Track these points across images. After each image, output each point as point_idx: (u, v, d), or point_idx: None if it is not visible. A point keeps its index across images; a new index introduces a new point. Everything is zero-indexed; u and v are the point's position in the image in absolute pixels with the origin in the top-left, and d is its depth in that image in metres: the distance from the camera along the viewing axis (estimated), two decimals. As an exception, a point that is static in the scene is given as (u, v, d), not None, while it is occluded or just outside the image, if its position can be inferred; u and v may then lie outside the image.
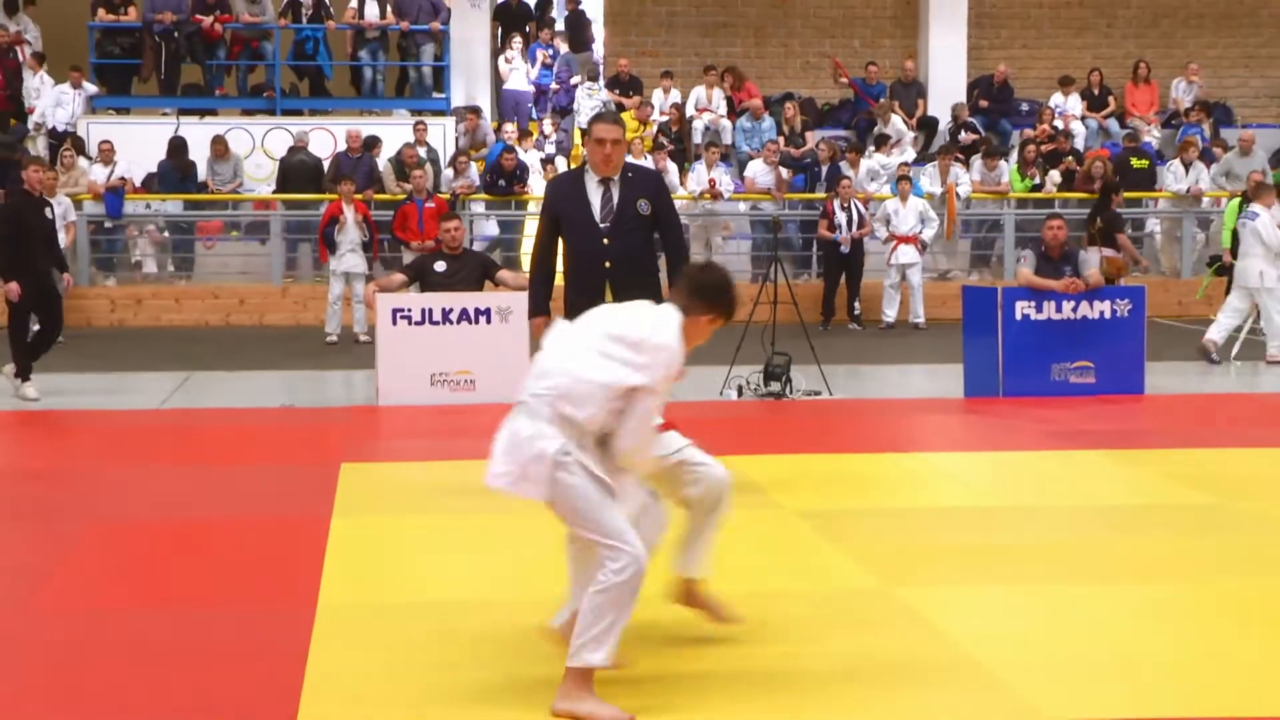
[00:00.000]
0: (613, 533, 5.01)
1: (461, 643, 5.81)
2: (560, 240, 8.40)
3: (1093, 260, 13.48)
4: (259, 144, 22.69)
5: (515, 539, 7.76)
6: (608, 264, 8.25)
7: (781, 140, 23.17)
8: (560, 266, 8.47)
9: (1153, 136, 24.81)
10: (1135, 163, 22.95)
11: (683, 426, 8.93)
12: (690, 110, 24.00)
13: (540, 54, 24.65)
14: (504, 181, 21.94)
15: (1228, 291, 17.59)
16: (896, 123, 23.67)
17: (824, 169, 22.21)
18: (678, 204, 21.94)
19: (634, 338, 5.20)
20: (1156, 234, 23.77)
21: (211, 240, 21.98)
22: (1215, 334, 16.05)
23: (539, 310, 8.51)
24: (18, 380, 13.30)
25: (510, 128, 23.16)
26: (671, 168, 21.86)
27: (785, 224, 21.43)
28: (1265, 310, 16.07)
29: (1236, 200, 19.01)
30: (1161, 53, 26.16)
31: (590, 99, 23.94)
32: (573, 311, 8.25)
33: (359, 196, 19.22)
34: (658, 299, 7.92)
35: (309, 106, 23.93)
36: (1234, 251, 18.31)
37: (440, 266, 13.46)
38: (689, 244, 8.71)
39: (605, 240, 8.27)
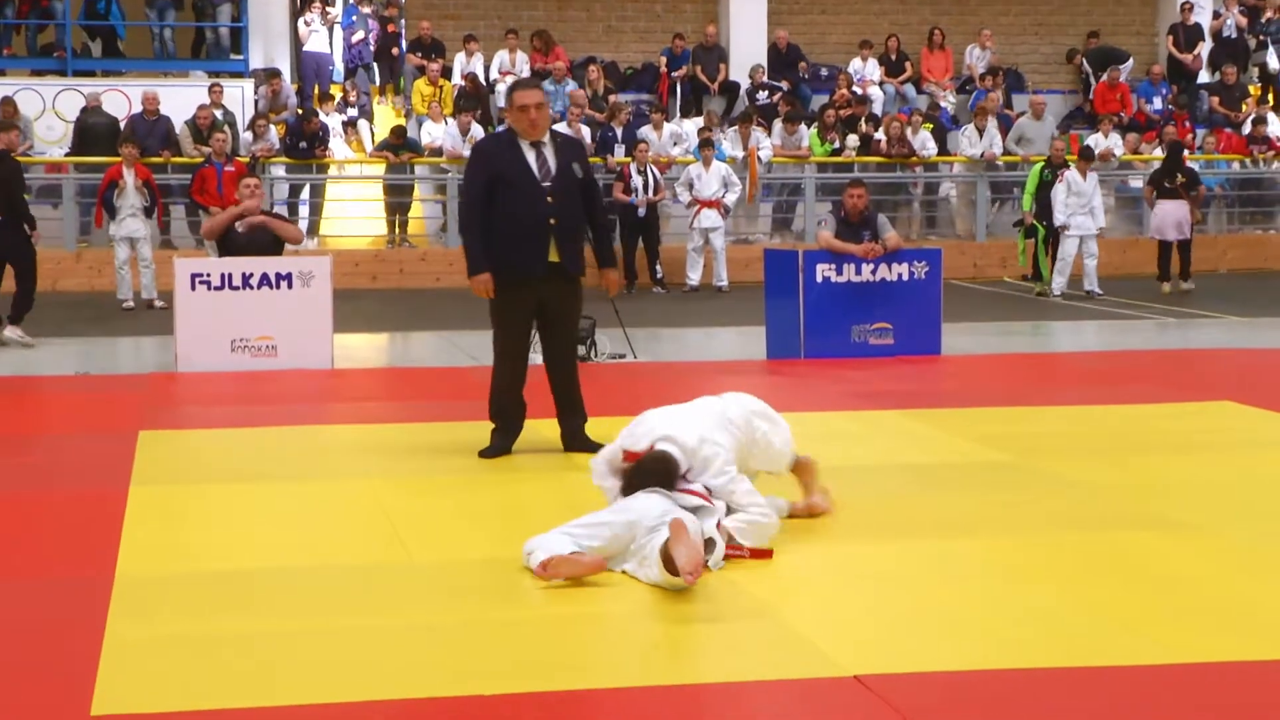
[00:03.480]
0: None
1: (264, 612, 5.70)
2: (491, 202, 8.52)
3: (889, 225, 13.66)
4: (49, 105, 22.05)
5: (315, 506, 7.66)
6: (553, 221, 8.48)
7: (584, 104, 23.11)
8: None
9: (948, 102, 25.25)
10: (926, 126, 23.38)
11: (487, 389, 8.86)
12: (494, 74, 23.84)
13: (357, 16, 24.22)
14: (305, 144, 21.61)
15: (1039, 252, 18.69)
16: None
17: (619, 131, 22.19)
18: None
19: None
20: (951, 197, 24.22)
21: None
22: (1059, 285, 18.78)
23: (482, 266, 8.58)
24: None
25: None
26: (478, 131, 21.71)
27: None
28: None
29: (1039, 165, 19.53)
30: (956, 20, 26.64)
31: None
32: (509, 272, 8.37)
33: (155, 159, 18.77)
34: (583, 262, 8.24)
35: (102, 68, 23.32)
36: (1039, 214, 19.00)
37: (240, 229, 13.22)
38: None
39: (549, 199, 8.49)
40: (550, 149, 8.61)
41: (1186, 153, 23.60)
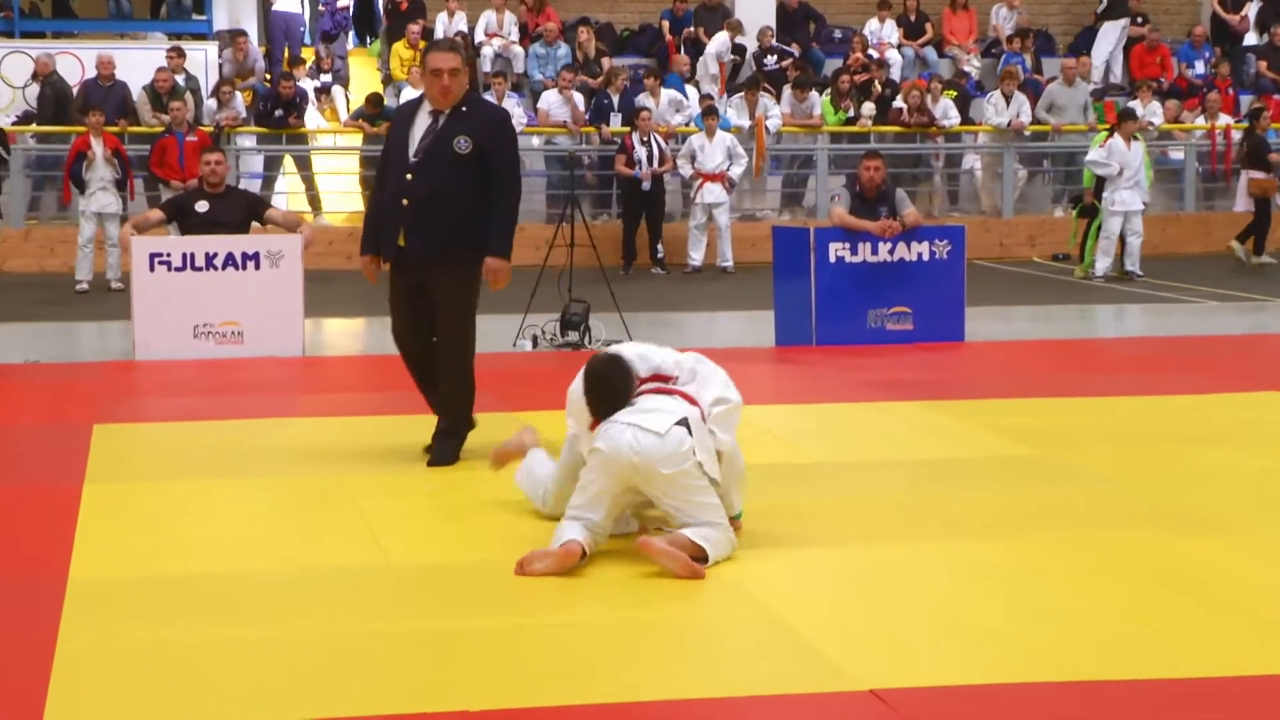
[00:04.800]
0: None
1: (229, 619, 5.74)
2: None
3: (909, 200, 13.67)
4: (-5, 69, 22.08)
5: (284, 505, 7.70)
6: (405, 202, 8.22)
7: (578, 68, 23.12)
8: None
9: (972, 66, 25.24)
10: (947, 94, 23.38)
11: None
12: (480, 36, 23.85)
13: None
14: (281, 111, 21.59)
15: (1086, 233, 18.73)
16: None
17: (616, 99, 22.19)
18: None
19: None
20: (976, 170, 24.23)
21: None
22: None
23: (364, 248, 8.53)
24: None
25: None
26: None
27: (582, 159, 21.45)
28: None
29: (1103, 135, 19.47)
30: (981, -23, 26.63)
31: None
32: (382, 251, 8.27)
33: (111, 128, 18.77)
34: (466, 249, 8.03)
35: (53, 29, 23.31)
36: (1096, 189, 19.01)
37: (202, 206, 13.21)
38: (518, 194, 8.58)
39: (409, 176, 8.23)
40: (448, 120, 8.28)
41: (1232, 121, 23.69)
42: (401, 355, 8.68)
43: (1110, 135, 19.13)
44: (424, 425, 8.72)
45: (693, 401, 6.61)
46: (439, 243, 8.30)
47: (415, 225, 8.26)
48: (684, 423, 6.45)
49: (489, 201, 8.37)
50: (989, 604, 5.93)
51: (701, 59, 23.85)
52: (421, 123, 8.33)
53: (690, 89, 23.07)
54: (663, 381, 6.70)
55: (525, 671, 5.19)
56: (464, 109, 8.34)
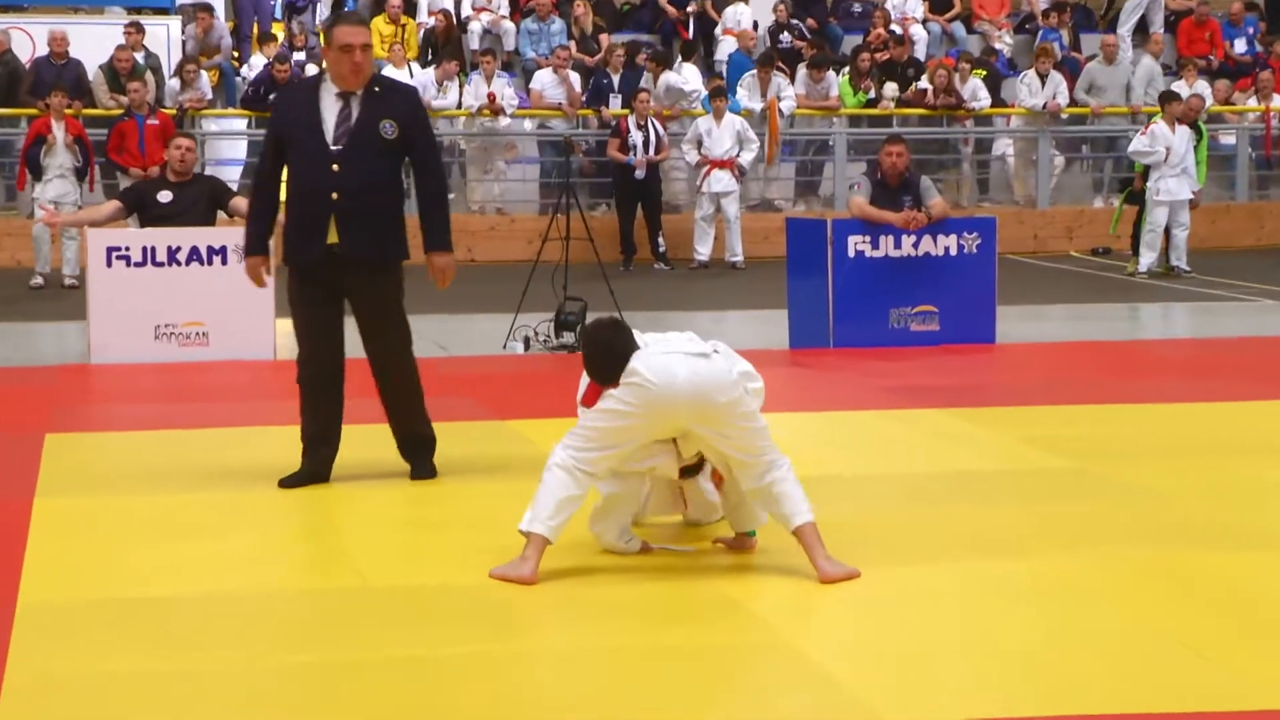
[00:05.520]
0: None
1: (191, 647, 5.72)
2: (285, 166, 8.22)
3: (934, 189, 13.66)
4: (-62, 47, 22.06)
5: (252, 522, 7.68)
6: (335, 195, 8.07)
7: (573, 45, 23.12)
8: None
9: (1004, 43, 25.24)
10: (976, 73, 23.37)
11: (460, 384, 8.91)
12: (467, 10, 23.86)
13: None
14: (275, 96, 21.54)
15: (1137, 223, 18.69)
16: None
17: (616, 79, 22.16)
18: (457, 121, 22.12)
19: None
20: (1008, 157, 24.23)
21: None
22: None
23: (255, 249, 8.33)
24: None
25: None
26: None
27: (579, 144, 21.44)
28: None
29: (1156, 115, 19.45)
30: (1014, -54, 26.64)
31: None
32: (295, 253, 8.14)
33: (65, 111, 18.76)
34: (398, 244, 7.98)
35: (1, 2, 23.30)
36: (1145, 175, 18.97)
37: (165, 196, 13.20)
38: (446, 180, 8.49)
39: (335, 166, 8.08)
40: (361, 101, 8.15)
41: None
42: (308, 376, 8.40)
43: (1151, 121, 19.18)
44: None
45: None
46: (375, 238, 8.21)
47: (348, 220, 8.11)
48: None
49: (422, 191, 8.35)
50: (1025, 630, 5.91)
51: (719, 43, 23.84)
52: (330, 106, 8.12)
53: (690, 67, 23.02)
54: None
55: (514, 705, 5.17)
56: (376, 89, 8.23)
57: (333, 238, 8.10)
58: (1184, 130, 19.13)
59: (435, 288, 8.42)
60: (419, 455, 8.47)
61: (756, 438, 6.49)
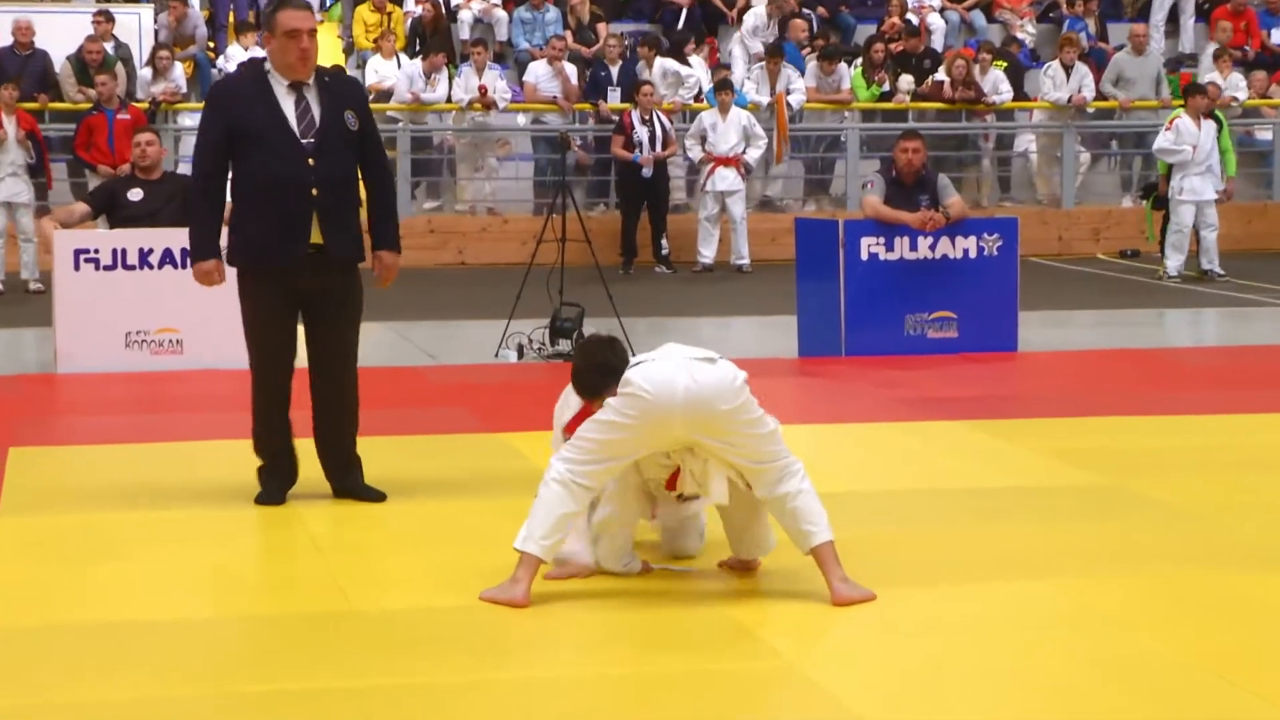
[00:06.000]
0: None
1: (164, 675, 5.72)
2: (233, 161, 8.14)
3: (953, 188, 13.64)
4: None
5: (228, 540, 7.68)
6: (315, 191, 8.03)
7: (569, 35, 23.13)
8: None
9: (1026, 33, 25.26)
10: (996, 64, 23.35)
11: (450, 394, 8.89)
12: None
13: None
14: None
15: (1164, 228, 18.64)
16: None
17: (615, 71, 22.15)
18: (446, 116, 22.10)
19: None
20: (1031, 154, 24.23)
21: None
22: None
23: (209, 251, 8.26)
24: None
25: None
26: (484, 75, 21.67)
27: (576, 141, 21.43)
28: None
29: (1179, 111, 19.42)
30: (1037, -70, 26.66)
31: None
32: (269, 257, 8.09)
33: (30, 104, 18.75)
34: (359, 238, 7.95)
35: (-38, -10, 23.31)
36: (1169, 176, 18.93)
37: (135, 194, 13.20)
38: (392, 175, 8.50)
39: (310, 160, 8.03)
40: (314, 93, 8.11)
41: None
42: (267, 391, 8.35)
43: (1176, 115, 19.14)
44: (387, 447, 8.71)
45: None
46: (353, 237, 8.25)
47: (330, 218, 8.09)
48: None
49: (375, 187, 8.37)
50: (1049, 657, 5.90)
51: (737, 34, 23.83)
52: (283, 96, 8.06)
53: (697, 59, 23.02)
54: None
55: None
56: (325, 79, 8.22)
57: (317, 238, 8.08)
58: (1209, 125, 19.08)
59: (377, 286, 8.37)
60: (355, 473, 8.42)
61: (766, 443, 6.51)
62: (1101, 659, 5.85)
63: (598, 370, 6.67)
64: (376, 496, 8.31)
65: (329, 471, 8.40)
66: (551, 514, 6.42)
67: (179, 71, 21.67)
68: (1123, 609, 6.48)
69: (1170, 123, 19.06)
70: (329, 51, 23.97)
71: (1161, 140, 19.07)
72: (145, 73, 21.55)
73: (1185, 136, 18.84)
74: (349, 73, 22.44)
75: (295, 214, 8.03)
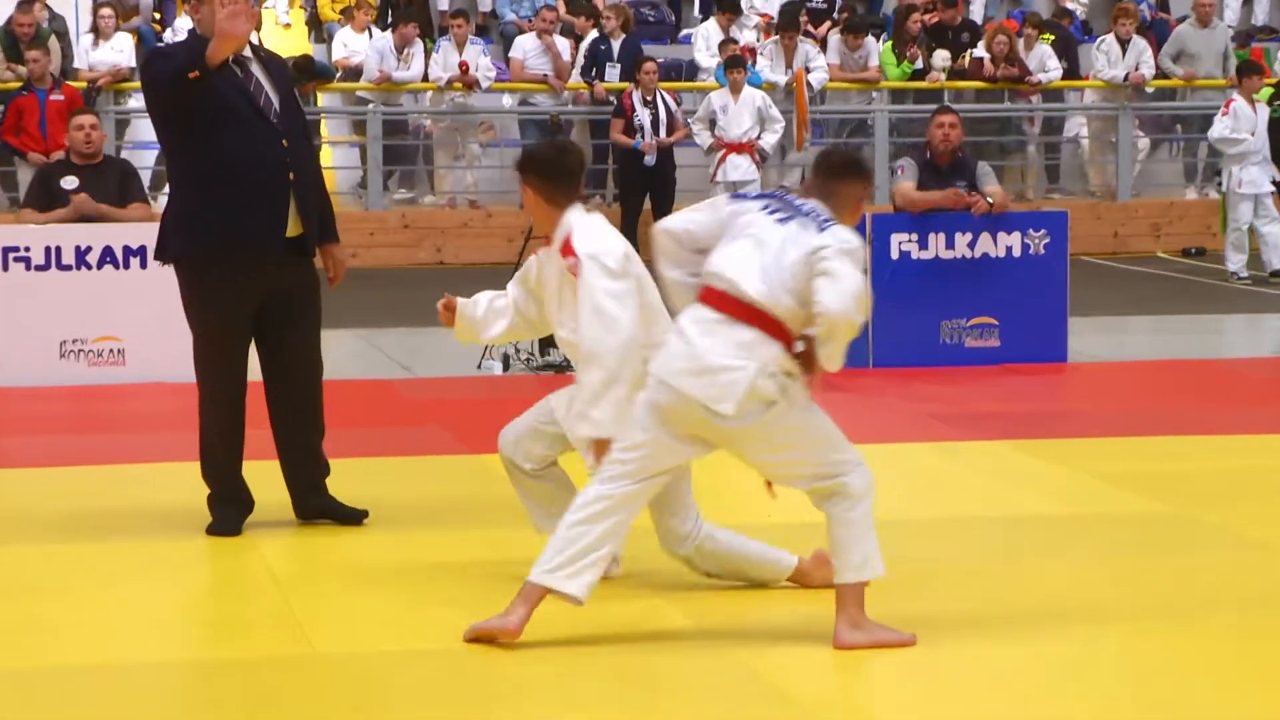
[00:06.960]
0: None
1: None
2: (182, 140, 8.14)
3: (994, 176, 13.60)
4: None
5: (178, 574, 7.70)
6: (291, 175, 8.09)
7: (561, 6, 23.13)
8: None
9: (1078, 3, 25.27)
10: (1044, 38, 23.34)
11: (427, 411, 8.91)
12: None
13: None
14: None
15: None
16: None
17: (616, 46, 22.14)
18: (422, 97, 22.11)
19: None
20: (1082, 139, 24.23)
21: None
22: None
23: (195, 245, 8.22)
24: None
25: None
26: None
27: (569, 124, 21.45)
28: None
29: (1267, 93, 19.38)
30: (1089, -113, 26.69)
31: None
32: (240, 246, 8.09)
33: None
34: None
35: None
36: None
37: (70, 181, 13.16)
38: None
39: (285, 142, 8.08)
40: (262, 69, 8.14)
41: None
42: (224, 404, 8.36)
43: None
44: (354, 470, 8.73)
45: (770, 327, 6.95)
46: (321, 226, 8.34)
47: (304, 205, 8.17)
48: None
49: (314, 174, 8.46)
50: (1111, 711, 5.89)
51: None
52: (231, 70, 7.98)
53: (699, 32, 23.01)
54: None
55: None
56: (261, 54, 8.29)
57: (295, 228, 8.13)
58: (1263, 109, 19.02)
59: (329, 286, 8.45)
60: (327, 495, 8.46)
61: (800, 466, 6.80)
62: (1176, 716, 5.82)
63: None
64: (356, 516, 8.33)
65: (297, 492, 8.41)
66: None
67: (124, 42, 21.50)
68: (1197, 657, 6.47)
69: (1227, 106, 18.99)
70: (287, 32, 23.99)
71: (1219, 128, 18.99)
72: (86, 40, 21.41)
73: (1243, 122, 18.80)
74: (312, 48, 22.48)
75: (271, 199, 8.07)
